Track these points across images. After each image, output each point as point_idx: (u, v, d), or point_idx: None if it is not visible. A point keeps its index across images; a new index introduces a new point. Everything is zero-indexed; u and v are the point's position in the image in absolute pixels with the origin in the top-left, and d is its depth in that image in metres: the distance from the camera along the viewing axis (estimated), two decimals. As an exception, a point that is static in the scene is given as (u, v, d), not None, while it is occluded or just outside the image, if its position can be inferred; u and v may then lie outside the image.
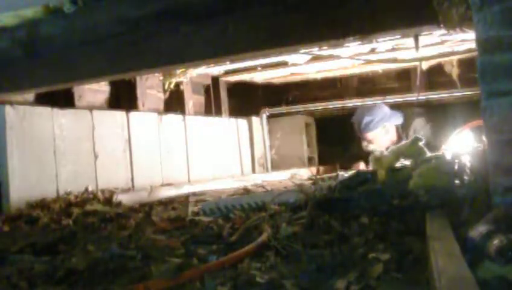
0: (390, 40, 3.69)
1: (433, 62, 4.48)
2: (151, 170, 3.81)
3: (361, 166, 4.36)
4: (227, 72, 4.90)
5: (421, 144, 2.28)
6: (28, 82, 2.69)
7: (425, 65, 4.46)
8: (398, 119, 4.55)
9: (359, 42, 3.58)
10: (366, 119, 4.46)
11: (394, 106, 4.69)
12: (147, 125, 3.85)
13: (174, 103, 4.47)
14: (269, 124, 5.48)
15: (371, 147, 4.44)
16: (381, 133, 4.50)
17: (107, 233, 2.15)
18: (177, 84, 4.31)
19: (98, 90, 3.74)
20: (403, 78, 5.31)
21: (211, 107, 5.05)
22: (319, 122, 5.72)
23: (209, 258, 1.57)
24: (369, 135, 4.49)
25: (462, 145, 2.90)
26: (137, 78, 3.91)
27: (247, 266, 1.44)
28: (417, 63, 4.29)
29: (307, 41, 2.21)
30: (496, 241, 1.06)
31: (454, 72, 4.50)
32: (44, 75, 2.63)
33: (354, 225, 1.70)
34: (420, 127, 4.45)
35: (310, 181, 3.41)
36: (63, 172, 3.11)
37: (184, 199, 3.20)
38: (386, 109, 4.57)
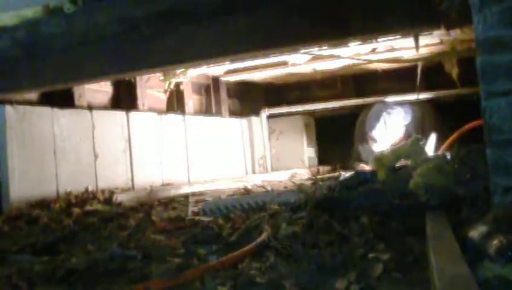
0: (390, 40, 3.69)
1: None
2: (151, 170, 3.81)
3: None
4: (227, 72, 4.89)
5: (421, 143, 2.28)
6: (28, 82, 2.68)
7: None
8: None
9: (359, 42, 3.58)
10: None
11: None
12: (146, 125, 3.85)
13: (174, 103, 4.46)
14: (269, 124, 5.48)
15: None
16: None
17: (107, 233, 2.15)
18: (177, 84, 4.30)
19: (98, 90, 3.73)
20: (403, 78, 5.29)
21: (211, 107, 5.04)
22: (319, 122, 5.71)
23: (209, 258, 1.58)
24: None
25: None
26: (137, 78, 3.90)
27: (247, 266, 1.44)
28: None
29: (307, 41, 2.21)
30: (495, 241, 1.06)
31: (454, 71, 4.49)
32: (45, 75, 2.63)
33: (354, 225, 1.70)
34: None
35: (310, 181, 3.41)
36: (63, 172, 3.11)
37: (184, 199, 3.20)
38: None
